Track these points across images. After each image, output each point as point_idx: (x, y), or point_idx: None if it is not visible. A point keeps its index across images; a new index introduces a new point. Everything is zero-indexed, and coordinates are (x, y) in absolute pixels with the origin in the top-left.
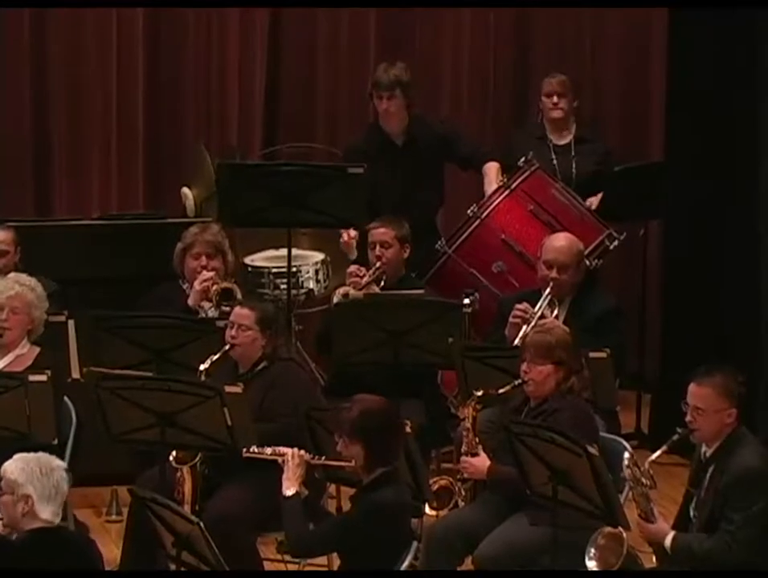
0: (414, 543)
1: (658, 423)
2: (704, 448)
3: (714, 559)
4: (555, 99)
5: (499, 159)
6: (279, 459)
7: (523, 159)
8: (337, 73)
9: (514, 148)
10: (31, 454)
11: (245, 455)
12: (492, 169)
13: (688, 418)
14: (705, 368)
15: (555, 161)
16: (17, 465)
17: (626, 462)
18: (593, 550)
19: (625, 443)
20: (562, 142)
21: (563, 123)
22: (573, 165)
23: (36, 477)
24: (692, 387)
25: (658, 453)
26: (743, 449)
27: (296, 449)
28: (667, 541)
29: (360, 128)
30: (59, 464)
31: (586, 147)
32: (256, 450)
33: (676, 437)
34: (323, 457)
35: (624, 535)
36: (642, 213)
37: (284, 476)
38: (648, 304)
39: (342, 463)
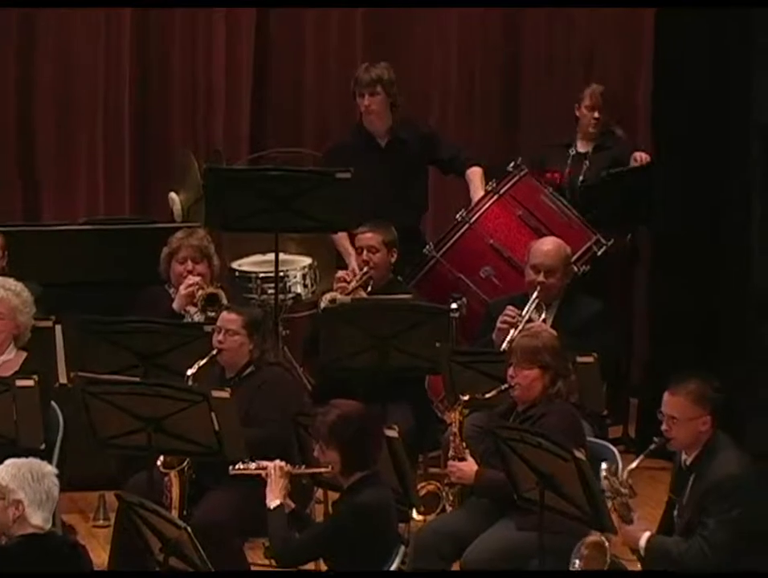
0: (402, 548)
1: (645, 428)
2: (683, 455)
3: (689, 563)
4: (596, 113)
5: (482, 164)
6: (263, 473)
7: (512, 164)
8: (325, 77)
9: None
10: (23, 460)
11: (231, 473)
12: (476, 175)
13: (663, 427)
14: (679, 376)
15: (567, 168)
16: (8, 470)
17: (603, 473)
18: (577, 561)
19: (612, 448)
20: (584, 150)
21: (596, 133)
22: (581, 173)
23: (28, 482)
24: (665, 396)
25: (636, 462)
26: (721, 455)
27: (277, 462)
28: (642, 541)
29: (348, 132)
30: (51, 470)
31: (602, 154)
32: (241, 466)
33: (652, 446)
34: (303, 466)
35: (607, 544)
36: (630, 218)
37: (268, 489)
38: (636, 309)
39: (321, 469)
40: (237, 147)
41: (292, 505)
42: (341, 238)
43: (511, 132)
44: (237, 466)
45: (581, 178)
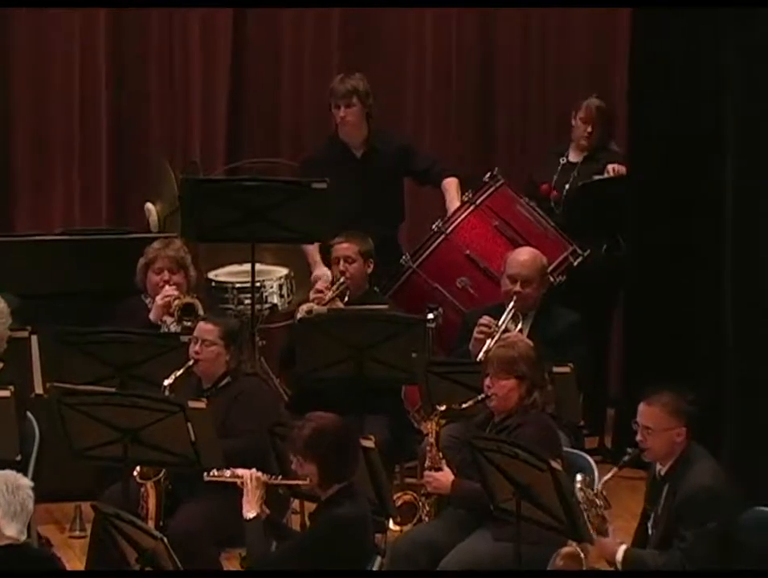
0: (378, 558)
1: (621, 439)
2: (658, 466)
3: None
4: (589, 127)
5: (458, 175)
6: (238, 481)
7: (488, 174)
8: (301, 86)
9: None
10: None
11: (206, 480)
12: (452, 185)
13: (638, 438)
14: (654, 388)
15: (556, 176)
16: None
17: (578, 485)
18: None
19: (589, 458)
20: (576, 160)
21: (587, 146)
22: (568, 183)
23: (2, 494)
24: (640, 407)
25: (610, 474)
26: (696, 466)
27: (254, 471)
28: (619, 555)
29: (323, 137)
30: (26, 482)
31: (591, 166)
32: (216, 473)
33: (626, 457)
34: (279, 477)
35: (582, 555)
36: (604, 228)
37: (244, 499)
38: (612, 319)
39: (299, 482)
40: (214, 149)
41: (267, 511)
42: (312, 247)
43: (487, 141)
44: (212, 473)
45: (566, 188)
